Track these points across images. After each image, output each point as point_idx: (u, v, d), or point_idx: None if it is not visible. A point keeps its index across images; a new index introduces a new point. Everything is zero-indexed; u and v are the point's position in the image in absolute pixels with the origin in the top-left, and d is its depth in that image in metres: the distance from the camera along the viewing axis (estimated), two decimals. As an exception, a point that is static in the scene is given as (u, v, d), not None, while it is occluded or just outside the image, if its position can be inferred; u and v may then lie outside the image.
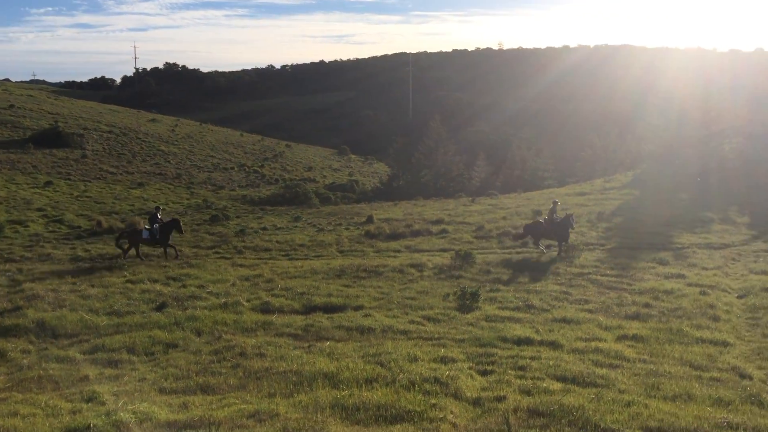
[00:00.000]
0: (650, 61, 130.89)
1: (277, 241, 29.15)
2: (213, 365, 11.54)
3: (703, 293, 16.96)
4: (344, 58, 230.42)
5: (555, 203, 24.79)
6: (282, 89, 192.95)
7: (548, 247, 23.88)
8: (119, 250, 25.06)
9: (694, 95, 48.76)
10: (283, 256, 26.05)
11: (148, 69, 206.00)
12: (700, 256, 22.07)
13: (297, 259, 25.21)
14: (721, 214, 29.65)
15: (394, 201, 51.11)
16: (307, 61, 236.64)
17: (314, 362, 11.04)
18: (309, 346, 12.71)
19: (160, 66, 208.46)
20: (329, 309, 16.36)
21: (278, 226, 36.26)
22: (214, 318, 15.27)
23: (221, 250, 27.34)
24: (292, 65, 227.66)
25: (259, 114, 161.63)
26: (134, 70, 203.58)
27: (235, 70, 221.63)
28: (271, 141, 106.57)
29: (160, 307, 16.84)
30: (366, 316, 15.31)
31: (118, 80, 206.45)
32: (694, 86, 51.36)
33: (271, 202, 57.01)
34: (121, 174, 61.90)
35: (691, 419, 8.34)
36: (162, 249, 25.25)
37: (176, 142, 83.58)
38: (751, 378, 10.76)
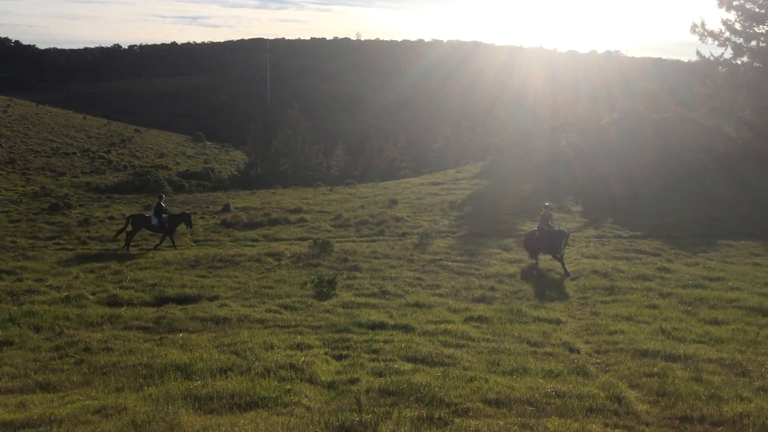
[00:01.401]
0: (506, 59, 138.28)
1: (127, 232, 27.71)
2: (54, 362, 10.85)
3: (541, 276, 18.40)
4: (198, 41, 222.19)
5: (547, 207, 20.60)
6: (130, 71, 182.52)
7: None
8: (120, 233, 24.51)
9: (539, 92, 52.27)
10: (132, 246, 24.84)
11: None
12: (539, 242, 23.83)
13: (148, 250, 24.17)
14: (558, 203, 32.16)
15: (251, 189, 50.40)
16: (158, 42, 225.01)
17: (166, 354, 10.73)
18: (161, 339, 12.31)
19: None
20: (183, 300, 15.91)
21: (127, 215, 34.47)
22: (54, 313, 14.29)
23: (62, 241, 25.59)
24: (141, 46, 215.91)
25: (104, 96, 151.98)
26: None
27: (76, 48, 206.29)
28: (118, 125, 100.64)
29: (-8, 303, 15.47)
30: (222, 306, 15.05)
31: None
32: (539, 84, 55.05)
33: (119, 189, 54.10)
34: (-58, 158, 55.77)
35: (525, 390, 9.11)
36: (166, 236, 24.75)
37: (9, 124, 76.53)
38: (579, 351, 11.88)
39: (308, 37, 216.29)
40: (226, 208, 35.46)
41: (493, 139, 53.29)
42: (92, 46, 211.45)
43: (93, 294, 16.33)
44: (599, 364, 11.13)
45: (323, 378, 9.69)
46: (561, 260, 19.04)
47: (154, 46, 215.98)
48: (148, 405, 7.94)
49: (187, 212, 27.18)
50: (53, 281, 17.94)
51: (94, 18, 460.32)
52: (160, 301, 15.87)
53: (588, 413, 8.49)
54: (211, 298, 16.06)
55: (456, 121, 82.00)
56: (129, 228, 24.27)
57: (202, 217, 33.63)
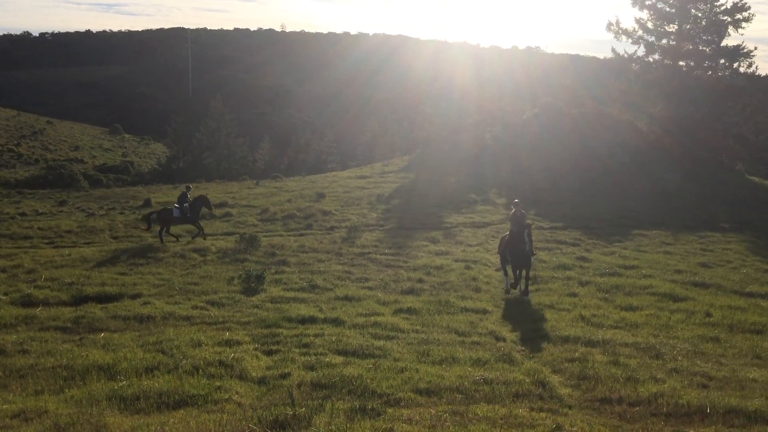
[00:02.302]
0: (432, 53, 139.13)
1: (39, 228, 26.50)
2: (-35, 366, 10.26)
3: (468, 268, 18.79)
4: (115, 30, 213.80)
5: (517, 204, 16.54)
6: (41, 59, 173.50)
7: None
8: (145, 226, 23.97)
9: (465, 86, 53.12)
10: (47, 244, 23.79)
11: None
12: (465, 234, 24.34)
13: (64, 247, 23.19)
14: (483, 196, 32.90)
15: (174, 184, 49.07)
16: (72, 29, 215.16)
17: (87, 355, 10.33)
18: (81, 339, 11.84)
19: None
20: (103, 299, 15.35)
21: (40, 211, 32.97)
22: (-37, 315, 13.50)
23: (-30, 239, 24.17)
24: (53, 33, 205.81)
25: (13, 86, 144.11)
26: None
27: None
28: (29, 117, 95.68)
29: None
30: (145, 304, 14.61)
31: None
32: (465, 78, 56.01)
33: (31, 184, 51.50)
34: None
35: (455, 378, 9.33)
36: (194, 226, 24.20)
37: None
38: (504, 340, 12.25)
39: (231, 28, 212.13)
40: (147, 203, 34.44)
41: (420, 133, 53.85)
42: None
43: (5, 294, 15.56)
44: (524, 351, 11.50)
45: (254, 374, 9.60)
46: (520, 270, 15.84)
47: (68, 33, 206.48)
48: (70, 407, 7.64)
49: (202, 194, 26.37)
50: (-39, 281, 16.95)
51: (1, 3, 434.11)
52: (79, 301, 15.27)
53: (514, 398, 8.79)
54: (134, 296, 15.57)
55: (383, 115, 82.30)
56: (157, 225, 23.76)
57: (121, 213, 32.53)
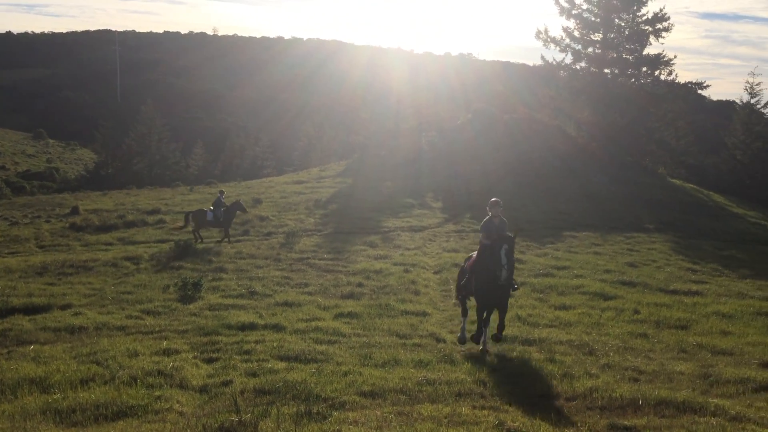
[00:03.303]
0: (367, 59, 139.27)
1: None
2: None
3: (407, 271, 18.94)
4: (37, 31, 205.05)
5: (495, 206, 11.26)
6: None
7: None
8: (182, 224, 24.39)
9: (401, 92, 53.55)
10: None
11: None
12: (403, 238, 24.56)
13: (-12, 257, 22.12)
14: (420, 200, 33.29)
15: (102, 190, 47.57)
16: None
17: (17, 368, 9.90)
18: (9, 352, 11.34)
19: None
20: (31, 310, 14.72)
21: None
22: None
23: None
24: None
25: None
26: None
27: None
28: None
29: None
30: (76, 314, 14.11)
31: None
32: (401, 83, 56.49)
33: (-52, 192, 48.83)
34: None
35: (398, 380, 9.44)
36: (223, 230, 24.25)
37: None
38: (445, 341, 12.44)
39: (161, 31, 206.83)
40: (74, 211, 33.27)
41: (357, 138, 53.98)
42: None
43: (-77, 308, 14.68)
44: (464, 351, 11.71)
45: (194, 382, 9.44)
46: (490, 312, 11.33)
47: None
48: (2, 422, 7.33)
49: (238, 199, 26.07)
50: None
51: None
52: (5, 313, 14.58)
53: (457, 397, 8.96)
54: (64, 307, 15.01)
55: (319, 120, 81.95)
56: (190, 227, 23.71)
57: (47, 221, 31.30)
